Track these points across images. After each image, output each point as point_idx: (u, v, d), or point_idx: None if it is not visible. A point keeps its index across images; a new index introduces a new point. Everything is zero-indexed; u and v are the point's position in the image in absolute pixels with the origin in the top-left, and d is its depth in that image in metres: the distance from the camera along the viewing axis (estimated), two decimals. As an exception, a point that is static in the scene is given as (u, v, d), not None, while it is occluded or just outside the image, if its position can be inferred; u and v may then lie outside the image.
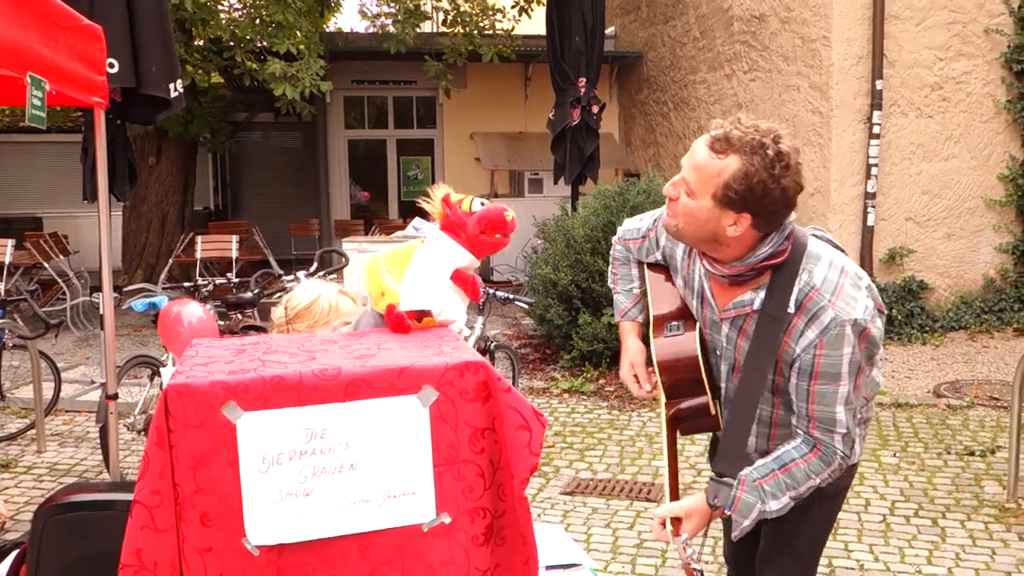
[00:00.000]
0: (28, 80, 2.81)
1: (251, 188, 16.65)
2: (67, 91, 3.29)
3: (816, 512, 2.24)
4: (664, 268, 2.33)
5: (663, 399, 2.24)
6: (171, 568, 1.58)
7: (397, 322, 1.95)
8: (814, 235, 2.11)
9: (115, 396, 4.19)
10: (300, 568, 1.63)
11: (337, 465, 1.64)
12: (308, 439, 1.62)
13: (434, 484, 1.69)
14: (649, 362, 2.33)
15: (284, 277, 5.87)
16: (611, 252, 2.50)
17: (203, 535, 1.58)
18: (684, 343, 2.20)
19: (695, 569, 1.99)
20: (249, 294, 5.55)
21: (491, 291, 6.11)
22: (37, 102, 2.88)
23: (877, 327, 1.98)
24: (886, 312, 2.20)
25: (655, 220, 2.33)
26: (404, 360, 1.70)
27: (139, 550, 1.57)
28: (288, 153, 16.50)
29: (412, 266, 2.01)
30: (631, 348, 2.39)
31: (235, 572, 1.60)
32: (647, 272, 2.37)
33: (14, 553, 2.35)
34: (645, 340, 2.39)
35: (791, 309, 1.96)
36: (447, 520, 1.70)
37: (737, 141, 1.86)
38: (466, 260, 2.02)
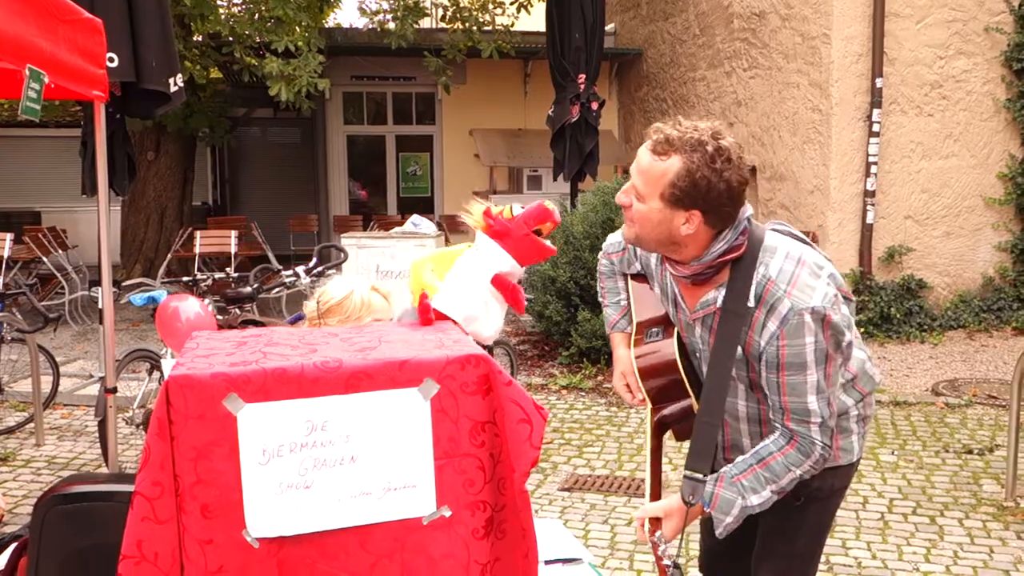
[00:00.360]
0: (27, 72, 2.81)
1: (250, 183, 16.64)
2: (67, 84, 3.29)
3: (814, 511, 2.24)
4: (645, 278, 2.38)
5: (649, 405, 2.28)
6: (171, 559, 1.58)
7: (423, 311, 1.98)
8: (773, 229, 2.13)
9: (114, 390, 4.18)
10: (300, 560, 1.63)
11: (337, 457, 1.63)
12: (309, 431, 1.61)
13: (434, 477, 1.68)
14: None
15: (283, 272, 5.87)
16: (597, 267, 2.55)
17: (203, 527, 1.58)
18: (663, 348, 2.25)
19: (667, 566, 2.00)
20: (248, 289, 5.55)
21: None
22: (33, 95, 2.87)
23: (841, 313, 2.00)
24: (854, 300, 2.22)
25: None
26: (405, 353, 1.70)
27: (140, 541, 1.56)
28: (287, 148, 16.49)
29: (455, 268, 2.04)
30: (622, 359, 2.43)
31: (235, 564, 1.60)
32: (631, 283, 2.43)
33: (12, 546, 2.35)
34: None
35: (751, 303, 1.99)
36: (447, 513, 1.70)
37: (677, 141, 1.91)
38: (508, 266, 2.04)
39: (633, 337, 2.33)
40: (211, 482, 1.58)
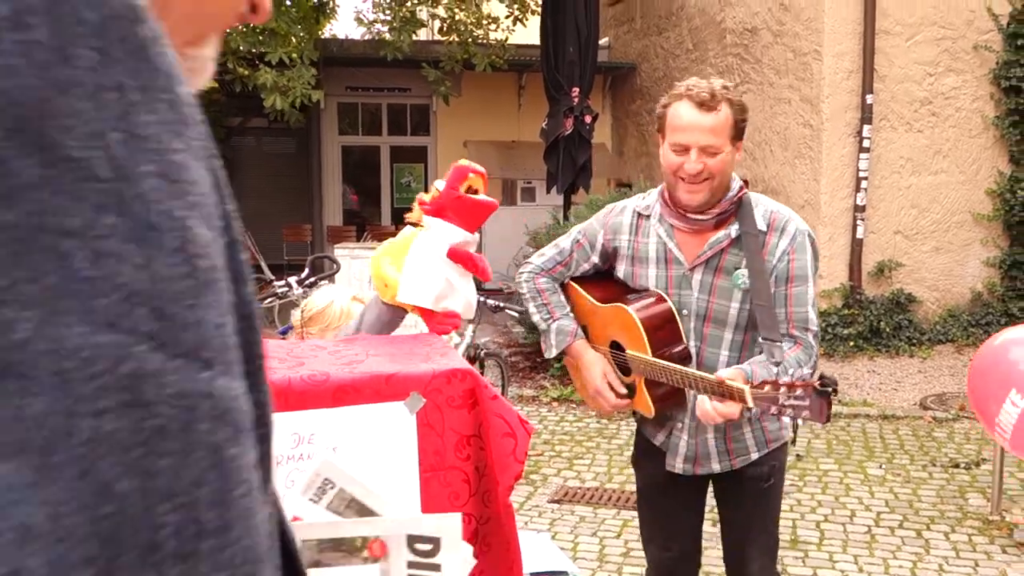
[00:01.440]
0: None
1: (243, 193, 16.62)
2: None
3: (777, 484, 2.57)
4: (584, 278, 2.57)
5: (649, 354, 2.33)
6: (158, 570, 1.59)
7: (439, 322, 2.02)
8: None
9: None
10: (286, 571, 1.65)
11: (324, 470, 1.65)
12: (295, 444, 1.63)
13: (420, 490, 1.71)
14: (621, 361, 2.47)
15: (275, 283, 5.88)
16: (534, 288, 2.58)
17: (191, 538, 1.59)
18: (655, 302, 2.41)
19: (785, 406, 2.02)
20: (240, 299, 5.54)
21: (482, 298, 6.13)
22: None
23: None
24: None
25: (573, 237, 2.57)
26: (392, 367, 1.72)
27: (127, 552, 1.58)
28: (281, 158, 16.51)
29: (410, 253, 2.03)
30: (595, 360, 2.49)
31: (222, 575, 1.61)
32: (575, 285, 2.56)
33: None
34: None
35: (763, 227, 2.35)
36: (432, 525, 1.72)
37: (719, 93, 2.29)
38: (460, 236, 2.03)
39: (622, 302, 2.41)
40: (199, 493, 1.59)
